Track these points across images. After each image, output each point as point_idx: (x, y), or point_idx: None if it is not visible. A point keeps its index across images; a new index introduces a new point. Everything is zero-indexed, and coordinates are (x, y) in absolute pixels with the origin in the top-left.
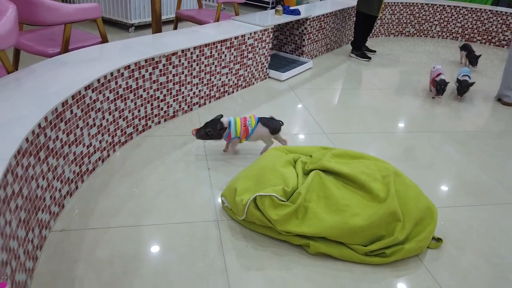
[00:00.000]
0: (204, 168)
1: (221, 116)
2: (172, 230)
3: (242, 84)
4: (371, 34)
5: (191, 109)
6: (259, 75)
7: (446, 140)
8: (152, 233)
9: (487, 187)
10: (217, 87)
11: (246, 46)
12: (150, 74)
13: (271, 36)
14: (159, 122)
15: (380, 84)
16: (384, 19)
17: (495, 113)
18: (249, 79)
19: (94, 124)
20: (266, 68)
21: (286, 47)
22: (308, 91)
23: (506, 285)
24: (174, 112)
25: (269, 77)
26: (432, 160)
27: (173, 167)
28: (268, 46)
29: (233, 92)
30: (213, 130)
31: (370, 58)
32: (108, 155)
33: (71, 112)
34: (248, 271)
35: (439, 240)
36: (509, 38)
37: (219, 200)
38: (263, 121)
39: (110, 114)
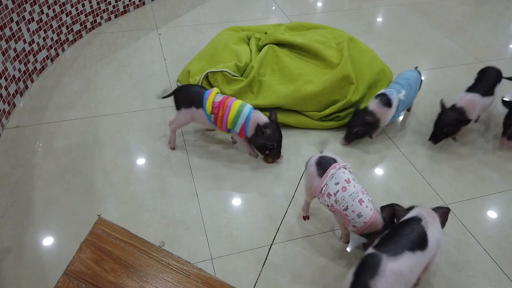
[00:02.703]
0: (160, 58)
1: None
2: (130, 117)
3: None
4: None
5: (144, 3)
6: None
7: (412, 12)
8: (110, 122)
9: (448, 51)
10: None
11: None
12: None
13: None
14: (109, 19)
15: None
16: None
17: None
18: None
19: (33, 19)
20: None
21: None
22: None
23: None
24: (124, 6)
25: None
26: (396, 31)
27: (127, 60)
28: None
29: None
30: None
31: None
32: (57, 54)
33: (0, 3)
34: (205, 147)
35: None
36: None
37: (177, 85)
38: None
39: (49, 8)
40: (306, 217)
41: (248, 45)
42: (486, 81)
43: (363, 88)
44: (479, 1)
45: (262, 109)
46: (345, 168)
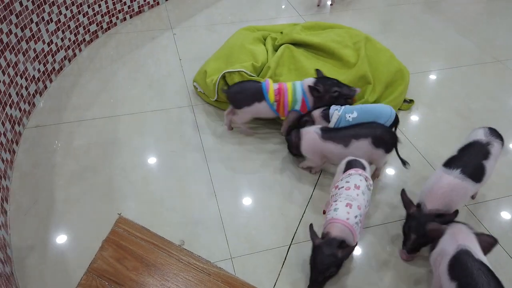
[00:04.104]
0: (175, 58)
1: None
2: (147, 117)
3: None
4: None
5: (158, 3)
6: None
7: (426, 11)
8: (128, 122)
9: (464, 50)
10: None
11: None
12: None
13: None
14: (125, 19)
15: None
16: None
17: None
18: None
19: (51, 20)
20: None
21: None
22: None
23: None
24: (139, 7)
25: None
26: (411, 30)
27: (143, 60)
28: None
29: None
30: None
31: None
32: (75, 55)
33: (21, 4)
34: (222, 146)
35: (411, 101)
36: None
37: (193, 85)
38: None
39: (67, 8)
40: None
41: (264, 45)
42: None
43: (380, 88)
44: None
45: None
46: (365, 180)
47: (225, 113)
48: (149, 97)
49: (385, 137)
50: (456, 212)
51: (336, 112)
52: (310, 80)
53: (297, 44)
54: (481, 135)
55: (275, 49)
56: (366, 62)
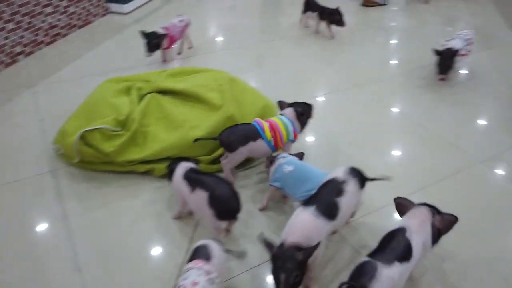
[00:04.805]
0: (35, 119)
1: None
2: None
3: (77, 24)
4: None
5: (15, 61)
6: (96, 10)
7: (293, 46)
8: None
9: (330, 79)
10: (44, 30)
11: None
12: None
13: None
14: None
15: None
16: None
17: None
18: (85, 17)
19: None
20: (104, 2)
21: None
22: (156, 20)
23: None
24: None
25: (110, 12)
26: (281, 64)
27: None
28: None
29: (67, 34)
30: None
31: None
32: None
33: None
34: (91, 211)
35: None
36: None
37: (54, 148)
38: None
39: None
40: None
41: (129, 96)
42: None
43: None
44: (350, 30)
45: (152, 161)
46: (206, 274)
47: (222, 161)
48: (1, 168)
49: (223, 199)
50: (318, 244)
51: (281, 159)
52: (290, 110)
53: (163, 92)
54: (339, 173)
55: (141, 99)
56: (232, 102)
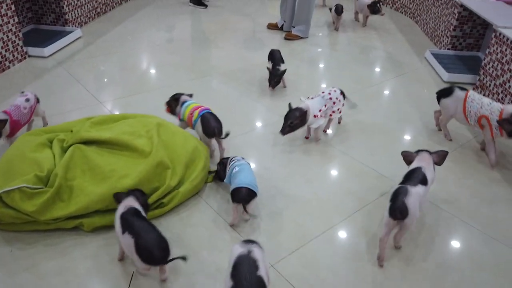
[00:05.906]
0: None
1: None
2: None
3: None
4: None
5: None
6: (13, 55)
7: (223, 81)
8: None
9: (254, 110)
10: None
11: None
12: None
13: (12, 9)
14: None
15: (159, 41)
16: None
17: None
18: (1, 63)
19: None
20: (21, 46)
21: (45, 18)
22: (80, 62)
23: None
24: None
25: (29, 56)
26: (213, 100)
27: None
28: (13, 20)
29: None
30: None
31: (206, 6)
32: None
33: None
34: (16, 275)
35: (215, 172)
36: None
37: None
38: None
39: None
40: None
41: (51, 148)
42: None
43: (181, 169)
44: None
45: (79, 216)
46: None
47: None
48: None
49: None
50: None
51: (236, 161)
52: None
53: (88, 142)
54: (239, 249)
55: (64, 151)
56: (162, 147)
